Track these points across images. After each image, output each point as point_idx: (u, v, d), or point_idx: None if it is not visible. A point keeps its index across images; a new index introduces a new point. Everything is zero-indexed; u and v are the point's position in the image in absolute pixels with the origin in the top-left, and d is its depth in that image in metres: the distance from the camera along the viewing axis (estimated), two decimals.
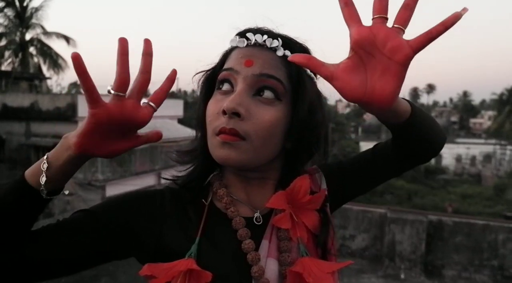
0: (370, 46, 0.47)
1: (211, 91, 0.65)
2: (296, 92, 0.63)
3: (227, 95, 0.61)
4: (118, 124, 0.52)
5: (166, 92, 0.56)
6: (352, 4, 0.49)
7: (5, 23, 18.45)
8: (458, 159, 34.52)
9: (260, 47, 0.63)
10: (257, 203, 0.66)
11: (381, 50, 0.47)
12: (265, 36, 0.63)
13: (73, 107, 11.78)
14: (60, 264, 0.60)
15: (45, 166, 0.54)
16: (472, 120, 61.89)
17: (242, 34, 0.65)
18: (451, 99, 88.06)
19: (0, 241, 0.55)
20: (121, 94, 0.51)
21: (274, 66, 0.61)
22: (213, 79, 0.66)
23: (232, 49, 0.65)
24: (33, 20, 19.06)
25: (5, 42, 18.56)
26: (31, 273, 0.58)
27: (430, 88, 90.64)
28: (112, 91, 0.51)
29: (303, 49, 0.66)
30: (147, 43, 0.53)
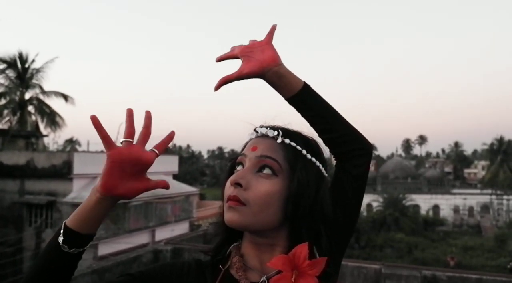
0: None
1: (232, 172, 0.82)
2: (292, 171, 0.77)
3: None
4: (129, 163, 0.67)
5: (167, 144, 0.74)
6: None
7: (6, 83, 19.03)
8: (456, 210, 34.20)
9: (265, 137, 0.81)
10: (267, 269, 0.75)
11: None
12: (267, 129, 0.81)
13: (68, 164, 11.79)
14: None
15: (61, 238, 0.69)
16: (466, 170, 62.19)
17: (255, 129, 0.85)
18: (443, 150, 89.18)
19: None
20: (130, 140, 0.69)
21: (273, 150, 0.78)
22: (234, 162, 0.84)
23: (249, 140, 0.85)
24: (33, 81, 19.65)
25: (4, 101, 18.97)
26: None
27: (422, 139, 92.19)
28: (122, 139, 0.69)
29: (303, 138, 0.83)
30: (148, 113, 0.73)
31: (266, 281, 0.74)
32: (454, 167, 62.21)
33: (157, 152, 0.71)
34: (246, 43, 0.85)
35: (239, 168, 0.79)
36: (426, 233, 26.09)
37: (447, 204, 33.40)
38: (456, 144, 76.12)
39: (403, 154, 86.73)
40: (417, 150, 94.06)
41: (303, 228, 0.76)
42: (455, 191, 36.37)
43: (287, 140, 0.79)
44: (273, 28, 0.86)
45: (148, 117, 0.72)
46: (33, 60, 19.64)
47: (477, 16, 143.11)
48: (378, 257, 17.36)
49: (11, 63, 18.91)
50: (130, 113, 0.70)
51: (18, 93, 19.24)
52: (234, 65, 0.83)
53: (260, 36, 0.85)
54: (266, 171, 0.75)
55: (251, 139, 0.83)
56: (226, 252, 0.82)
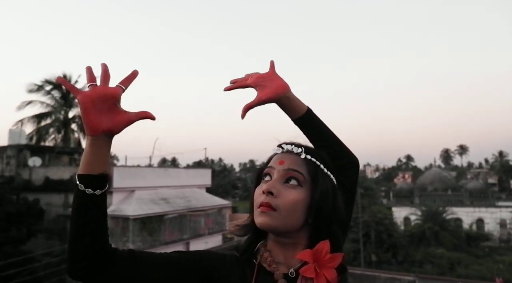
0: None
1: (260, 181, 0.95)
2: (314, 183, 0.90)
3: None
4: (98, 100, 0.77)
5: (131, 80, 0.83)
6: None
7: (52, 103, 20.29)
8: (503, 224, 32.23)
9: (290, 153, 0.94)
10: (292, 263, 0.88)
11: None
12: (292, 146, 0.94)
13: (108, 178, 12.32)
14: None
15: (82, 186, 0.78)
16: None
17: (279, 145, 0.97)
18: (486, 160, 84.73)
19: (90, 241, 0.78)
20: (93, 83, 0.79)
21: (297, 164, 0.91)
22: (261, 173, 0.96)
23: (274, 154, 0.97)
24: (76, 100, 20.79)
25: (50, 120, 20.21)
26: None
27: (462, 149, 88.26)
28: (87, 85, 0.79)
29: (320, 154, 0.96)
30: (102, 65, 0.82)
31: (293, 272, 0.87)
32: (499, 178, 58.81)
33: (122, 86, 0.80)
34: (247, 72, 1.03)
35: (267, 178, 0.92)
36: (469, 249, 24.82)
37: (492, 218, 31.62)
38: (501, 154, 72.21)
39: (442, 165, 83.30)
40: (458, 161, 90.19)
41: (323, 230, 0.88)
42: (500, 203, 34.33)
43: (308, 157, 0.92)
44: (272, 63, 1.04)
45: (105, 71, 0.81)
46: (76, 81, 20.79)
47: None
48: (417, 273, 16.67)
49: (56, 85, 20.15)
50: (88, 69, 0.81)
51: (62, 112, 20.43)
52: (245, 91, 1.00)
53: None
54: (293, 182, 0.89)
55: (276, 154, 0.96)
56: (253, 249, 0.94)
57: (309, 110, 1.02)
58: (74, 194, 0.80)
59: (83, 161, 0.80)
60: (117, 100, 0.79)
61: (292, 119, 1.03)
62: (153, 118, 0.81)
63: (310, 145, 1.00)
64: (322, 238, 0.86)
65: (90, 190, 0.78)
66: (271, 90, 0.97)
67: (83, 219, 0.78)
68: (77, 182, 0.79)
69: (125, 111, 0.80)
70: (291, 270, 0.87)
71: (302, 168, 0.90)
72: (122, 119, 0.80)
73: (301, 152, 0.93)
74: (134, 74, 0.83)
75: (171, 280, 0.85)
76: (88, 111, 0.77)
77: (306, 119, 1.02)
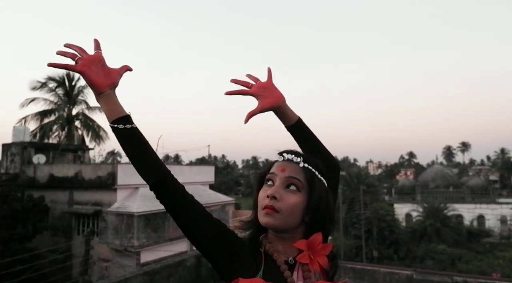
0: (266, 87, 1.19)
1: (262, 184, 1.08)
2: (310, 188, 1.04)
3: (270, 187, 1.04)
4: (92, 63, 0.99)
5: (99, 46, 1.05)
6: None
7: (55, 100, 20.36)
8: (503, 220, 32.23)
9: (290, 161, 1.07)
10: (290, 252, 1.03)
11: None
12: (292, 155, 1.08)
13: (113, 176, 12.22)
14: (192, 214, 1.00)
15: (121, 125, 1.00)
16: None
17: (280, 153, 1.11)
18: (488, 157, 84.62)
19: (145, 155, 1.00)
20: (77, 57, 1.00)
21: (297, 172, 1.04)
22: (263, 178, 1.10)
23: (275, 161, 1.10)
24: (80, 97, 20.89)
25: (54, 117, 20.27)
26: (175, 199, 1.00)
27: (465, 146, 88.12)
28: (75, 59, 1.00)
29: (315, 162, 1.09)
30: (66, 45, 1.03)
31: (292, 259, 1.02)
32: (501, 175, 58.76)
33: (99, 51, 1.03)
34: (243, 77, 1.19)
35: (269, 183, 1.05)
36: (470, 245, 24.87)
37: (493, 214, 31.63)
38: (503, 151, 72.15)
39: (444, 162, 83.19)
40: (460, 158, 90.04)
41: (317, 226, 1.03)
42: (501, 200, 34.31)
43: (306, 165, 1.06)
44: (269, 70, 1.21)
45: (76, 47, 1.02)
46: (79, 78, 20.85)
47: None
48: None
49: (60, 82, 20.22)
50: (68, 46, 1.02)
51: (66, 109, 20.46)
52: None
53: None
54: (292, 187, 1.02)
55: (277, 161, 1.09)
56: (257, 241, 1.07)
57: (300, 119, 1.21)
58: (118, 137, 1.01)
59: (108, 112, 1.01)
60: (103, 61, 1.02)
61: (286, 126, 1.21)
62: (130, 69, 1.07)
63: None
64: (315, 231, 1.01)
65: (128, 125, 1.00)
66: (272, 100, 1.15)
67: (137, 144, 1.00)
68: (116, 125, 0.99)
69: (113, 68, 1.03)
70: (290, 258, 1.02)
71: (300, 175, 1.04)
72: (115, 74, 1.03)
73: (300, 161, 1.06)
74: (96, 41, 1.05)
75: (209, 236, 1.00)
76: (89, 75, 0.99)
77: (297, 127, 1.20)
